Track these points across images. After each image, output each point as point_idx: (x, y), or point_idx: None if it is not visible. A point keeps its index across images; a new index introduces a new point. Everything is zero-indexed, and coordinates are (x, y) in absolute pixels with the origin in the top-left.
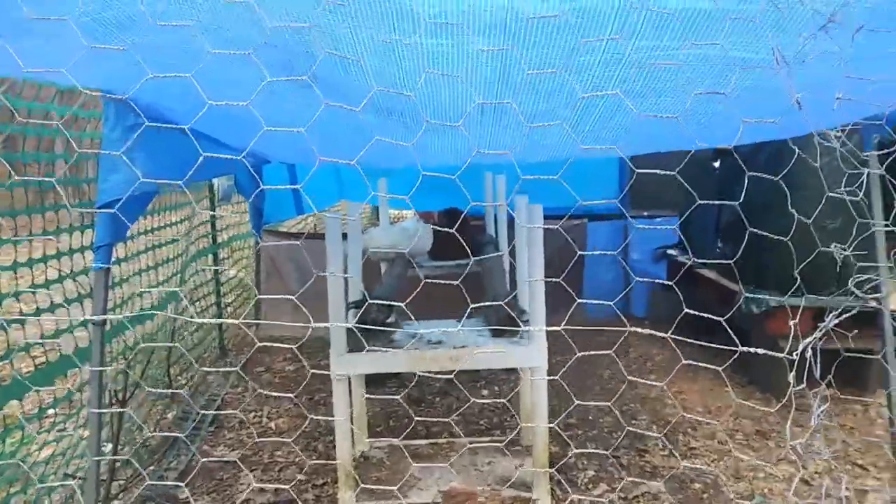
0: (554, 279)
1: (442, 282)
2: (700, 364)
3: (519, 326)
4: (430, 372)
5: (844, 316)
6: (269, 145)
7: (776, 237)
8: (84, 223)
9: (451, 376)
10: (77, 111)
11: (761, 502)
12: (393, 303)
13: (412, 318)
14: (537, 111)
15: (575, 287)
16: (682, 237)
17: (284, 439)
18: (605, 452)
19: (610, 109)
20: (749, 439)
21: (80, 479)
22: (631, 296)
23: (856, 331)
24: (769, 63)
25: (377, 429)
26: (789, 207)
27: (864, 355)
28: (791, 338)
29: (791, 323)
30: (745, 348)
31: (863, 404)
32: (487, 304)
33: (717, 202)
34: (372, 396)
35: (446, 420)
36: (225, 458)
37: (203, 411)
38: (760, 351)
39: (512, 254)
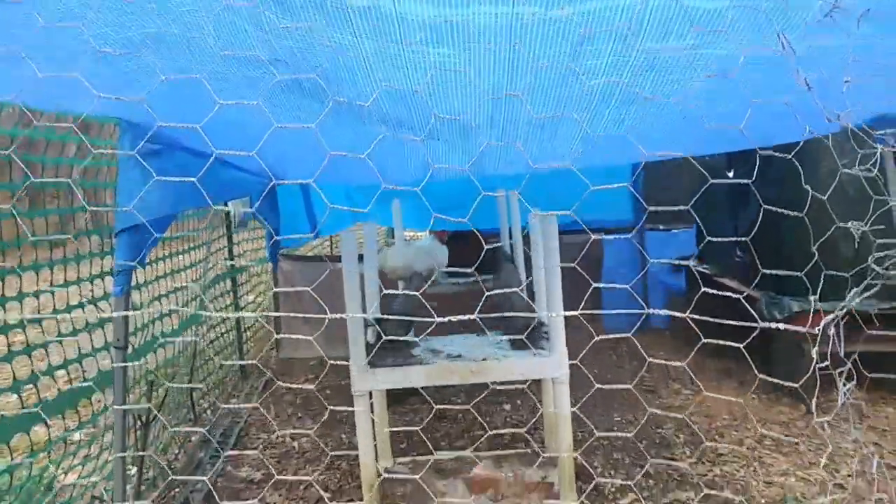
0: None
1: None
2: (720, 396)
3: (538, 338)
4: (452, 386)
5: (866, 294)
6: (280, 163)
7: (795, 242)
8: (104, 250)
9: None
10: (94, 140)
11: None
12: (412, 318)
13: (430, 333)
14: (543, 120)
15: (594, 300)
16: (699, 247)
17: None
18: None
19: (619, 113)
20: (778, 445)
21: (106, 502)
22: (650, 307)
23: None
24: (778, 60)
25: (400, 445)
26: (804, 214)
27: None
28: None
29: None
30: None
31: (895, 407)
32: (506, 316)
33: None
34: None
35: (469, 435)
36: (249, 478)
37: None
38: (781, 327)
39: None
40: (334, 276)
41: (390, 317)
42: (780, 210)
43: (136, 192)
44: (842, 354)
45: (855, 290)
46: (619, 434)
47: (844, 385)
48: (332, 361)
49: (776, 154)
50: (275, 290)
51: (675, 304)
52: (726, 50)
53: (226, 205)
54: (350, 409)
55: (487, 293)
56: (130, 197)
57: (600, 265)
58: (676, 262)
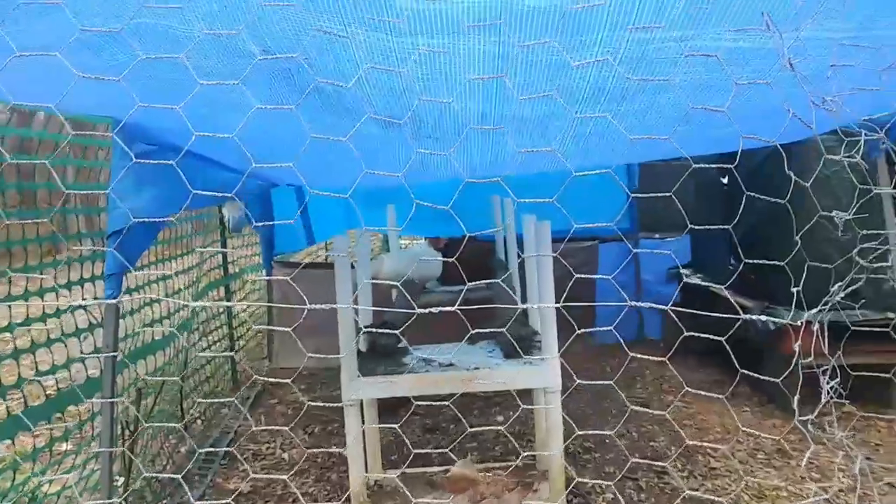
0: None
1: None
2: (701, 392)
3: (531, 347)
4: (442, 398)
5: (850, 289)
6: (273, 166)
7: (786, 253)
8: (95, 253)
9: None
10: (88, 140)
11: None
12: (401, 328)
13: (423, 343)
14: (536, 116)
15: (587, 310)
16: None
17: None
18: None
19: (609, 111)
20: (770, 459)
21: None
22: (644, 318)
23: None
24: (768, 54)
25: (391, 457)
26: (793, 223)
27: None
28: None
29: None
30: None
31: (887, 422)
32: (499, 327)
33: (725, 219)
34: (385, 425)
35: (460, 447)
36: (239, 490)
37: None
38: (770, 317)
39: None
40: (328, 283)
41: (381, 326)
42: (762, 197)
43: (129, 193)
44: (825, 350)
45: (839, 284)
46: (603, 432)
47: (828, 383)
48: (308, 355)
49: (762, 142)
50: (269, 292)
51: (669, 317)
52: (717, 42)
53: (220, 210)
54: (340, 419)
55: (472, 301)
56: (122, 199)
57: (594, 272)
58: (678, 270)
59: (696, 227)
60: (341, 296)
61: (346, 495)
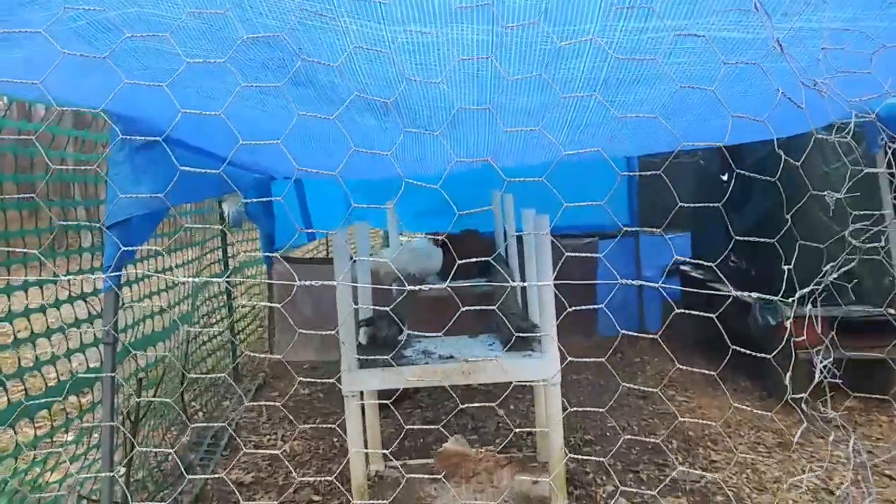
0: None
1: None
2: (695, 370)
3: (530, 341)
4: (443, 390)
5: (843, 269)
6: (270, 157)
7: (788, 246)
8: (94, 244)
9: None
10: (85, 133)
11: None
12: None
13: (423, 335)
14: (531, 107)
15: (587, 303)
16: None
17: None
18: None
19: (605, 100)
20: (772, 451)
21: (94, 501)
22: (645, 312)
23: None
24: (763, 45)
25: (393, 449)
26: (785, 214)
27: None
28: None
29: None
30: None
31: (888, 415)
32: (500, 319)
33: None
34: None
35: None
36: (240, 481)
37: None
38: (769, 311)
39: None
40: (329, 278)
41: (382, 318)
42: (753, 175)
43: (127, 186)
44: (823, 339)
45: (831, 264)
46: (595, 409)
47: (822, 362)
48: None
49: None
50: (270, 285)
51: (669, 310)
52: (710, 32)
53: (220, 204)
54: (340, 411)
55: (473, 296)
56: (121, 191)
57: (595, 268)
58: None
59: (697, 224)
60: (341, 288)
61: (347, 486)
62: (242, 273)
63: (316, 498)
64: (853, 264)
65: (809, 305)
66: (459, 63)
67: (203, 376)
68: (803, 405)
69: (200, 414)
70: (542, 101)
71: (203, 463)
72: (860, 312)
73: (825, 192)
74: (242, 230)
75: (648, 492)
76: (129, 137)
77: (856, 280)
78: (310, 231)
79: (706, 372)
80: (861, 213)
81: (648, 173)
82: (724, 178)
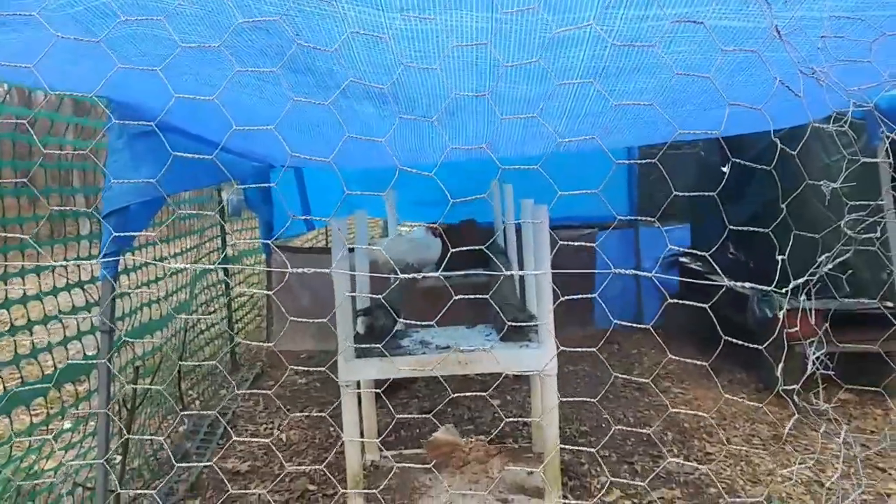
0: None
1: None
2: (687, 360)
3: (527, 331)
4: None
5: (838, 260)
6: (267, 145)
7: (785, 238)
8: (93, 231)
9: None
10: (85, 120)
11: None
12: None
13: (420, 325)
14: (531, 96)
15: (584, 297)
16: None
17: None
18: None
19: (604, 89)
20: (766, 444)
21: (90, 488)
22: (643, 303)
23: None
24: (763, 34)
25: (388, 439)
26: (781, 203)
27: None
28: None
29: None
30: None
31: (883, 408)
32: (496, 309)
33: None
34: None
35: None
36: (236, 470)
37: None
38: (767, 304)
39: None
40: (327, 267)
41: (379, 308)
42: (751, 165)
43: (126, 173)
44: (818, 332)
45: (826, 255)
46: (586, 399)
47: (814, 354)
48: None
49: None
50: (269, 274)
51: (666, 301)
52: (711, 21)
53: (219, 193)
54: (337, 400)
55: (471, 286)
56: (121, 178)
57: (593, 259)
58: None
59: (696, 216)
60: (337, 276)
61: (342, 476)
62: (241, 262)
63: (311, 487)
64: (848, 255)
65: (803, 297)
66: (458, 51)
67: (198, 363)
68: (795, 397)
69: (198, 402)
70: (541, 91)
71: (199, 451)
72: (855, 305)
73: (821, 182)
74: (242, 219)
75: (642, 483)
76: (126, 122)
77: (850, 271)
78: (308, 218)
79: (698, 362)
80: (857, 203)
81: (644, 161)
82: (725, 169)
